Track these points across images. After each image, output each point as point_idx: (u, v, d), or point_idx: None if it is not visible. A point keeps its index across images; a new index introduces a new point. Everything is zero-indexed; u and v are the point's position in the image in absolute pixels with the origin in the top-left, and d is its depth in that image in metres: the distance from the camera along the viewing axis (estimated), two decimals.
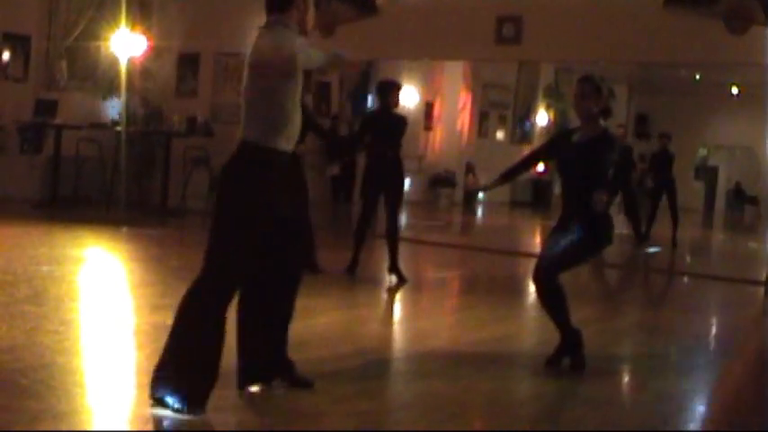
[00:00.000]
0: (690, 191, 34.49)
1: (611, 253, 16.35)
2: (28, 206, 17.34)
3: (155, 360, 5.75)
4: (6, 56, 18.31)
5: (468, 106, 28.20)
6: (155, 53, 19.46)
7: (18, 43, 18.42)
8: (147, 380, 5.71)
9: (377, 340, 8.66)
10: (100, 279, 11.16)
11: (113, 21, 19.40)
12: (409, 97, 25.11)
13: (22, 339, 7.38)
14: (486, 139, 29.73)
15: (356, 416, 5.97)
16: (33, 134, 18.36)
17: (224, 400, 5.85)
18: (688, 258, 19.91)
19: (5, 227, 15.08)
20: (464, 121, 28.19)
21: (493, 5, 14.99)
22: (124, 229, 16.05)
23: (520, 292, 12.78)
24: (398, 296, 11.54)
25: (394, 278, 11.84)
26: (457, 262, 15.72)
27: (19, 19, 18.30)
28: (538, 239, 21.04)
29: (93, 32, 19.42)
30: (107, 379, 6.50)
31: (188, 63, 19.25)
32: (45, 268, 11.36)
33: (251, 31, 17.98)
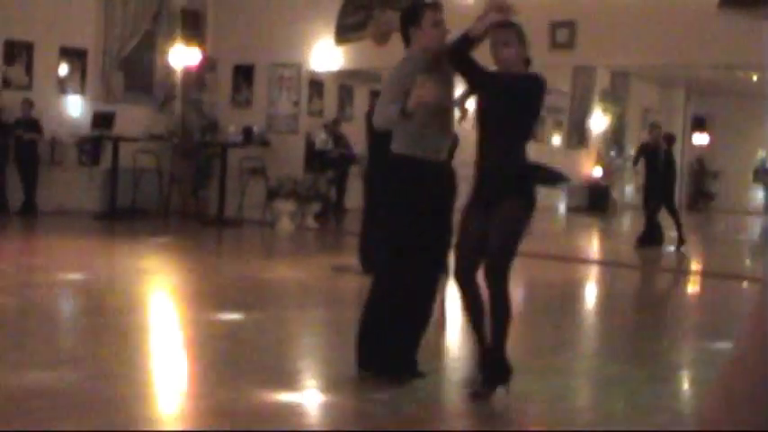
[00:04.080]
0: (748, 193, 34.15)
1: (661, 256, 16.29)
2: (87, 218, 17.52)
3: (213, 370, 5.76)
4: (64, 70, 18.53)
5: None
6: (210, 64, 19.59)
7: (75, 57, 18.63)
8: (205, 389, 5.72)
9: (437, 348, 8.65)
10: (158, 290, 11.23)
11: (168, 33, 19.59)
12: (468, 105, 25.04)
13: (82, 351, 7.44)
14: (543, 143, 29.59)
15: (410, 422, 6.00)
16: (91, 147, 18.54)
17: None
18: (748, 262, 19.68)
19: (66, 239, 15.25)
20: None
21: (546, 11, 14.92)
22: (181, 240, 16.17)
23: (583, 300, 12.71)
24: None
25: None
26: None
27: (76, 33, 18.50)
28: (596, 245, 20.90)
29: (148, 45, 19.62)
30: (166, 390, 6.54)
31: (243, 74, 19.34)
32: (104, 280, 11.47)
33: (304, 42, 18.08)
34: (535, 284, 13.15)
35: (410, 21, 6.70)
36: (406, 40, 6.76)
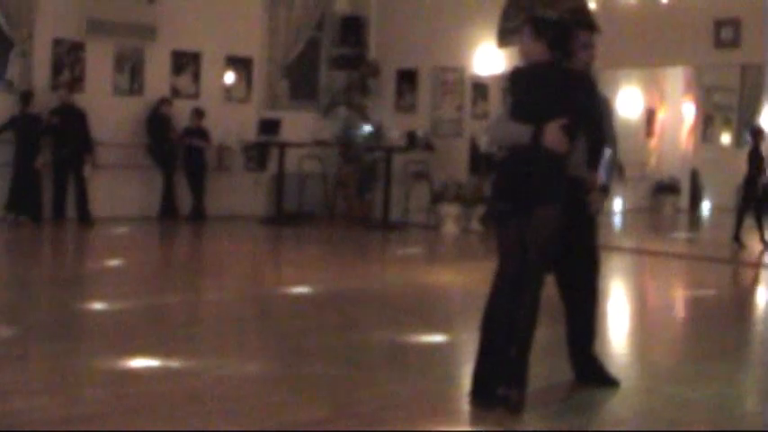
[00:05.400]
0: None
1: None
2: (254, 222, 17.78)
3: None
4: (230, 78, 18.86)
5: (691, 111, 27.48)
6: (373, 70, 19.68)
7: (240, 65, 18.95)
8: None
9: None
10: (340, 295, 11.29)
11: (332, 39, 19.76)
12: (631, 104, 24.67)
13: (247, 356, 7.52)
14: (711, 143, 28.89)
15: None
16: (257, 153, 18.81)
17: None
18: None
19: (235, 243, 15.51)
20: (687, 126, 27.49)
21: (710, 9, 14.55)
22: (348, 245, 16.26)
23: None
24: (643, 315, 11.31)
25: None
26: (687, 274, 15.29)
27: (241, 42, 18.81)
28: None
29: (312, 52, 19.83)
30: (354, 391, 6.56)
31: (406, 78, 19.37)
32: (266, 284, 11.62)
33: (466, 45, 18.03)
34: (702, 287, 12.85)
35: (556, 41, 6.52)
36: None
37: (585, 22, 6.99)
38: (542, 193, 6.05)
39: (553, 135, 6.03)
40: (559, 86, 6.21)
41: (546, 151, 6.03)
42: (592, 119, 6.37)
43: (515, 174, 6.16)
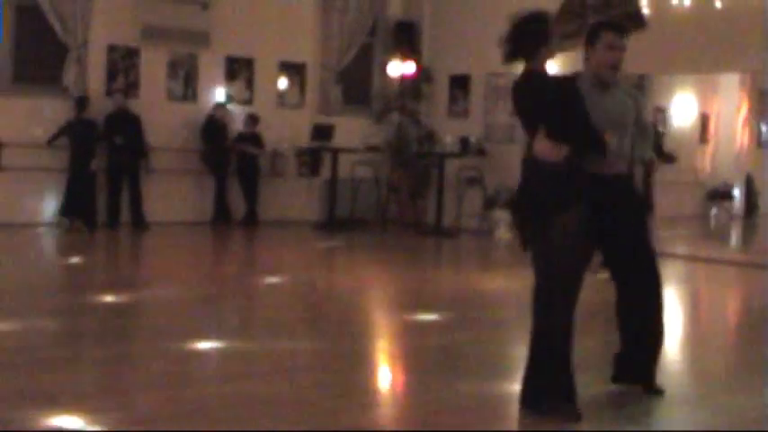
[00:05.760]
0: None
1: None
2: (308, 228, 17.83)
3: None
4: (283, 83, 18.93)
5: (746, 116, 27.25)
6: (426, 75, 19.69)
7: (294, 71, 19.02)
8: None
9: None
10: (380, 299, 11.30)
11: (384, 45, 19.79)
12: (685, 110, 24.53)
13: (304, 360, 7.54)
14: (766, 149, 28.65)
15: None
16: (310, 158, 18.86)
17: None
18: None
19: (288, 249, 15.57)
20: (742, 131, 27.26)
21: (764, 13, 14.41)
22: (400, 250, 16.27)
23: None
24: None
25: None
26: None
27: (294, 48, 18.88)
28: None
29: (365, 57, 19.88)
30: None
31: (459, 84, 19.36)
32: (321, 288, 11.64)
33: None
34: (756, 295, 12.72)
35: (588, 38, 6.54)
36: (586, 57, 6.61)
37: (611, 22, 6.91)
38: (555, 201, 6.00)
39: (539, 145, 6.04)
40: (519, 94, 6.28)
41: (540, 161, 6.03)
42: (552, 112, 6.13)
43: (527, 185, 6.16)
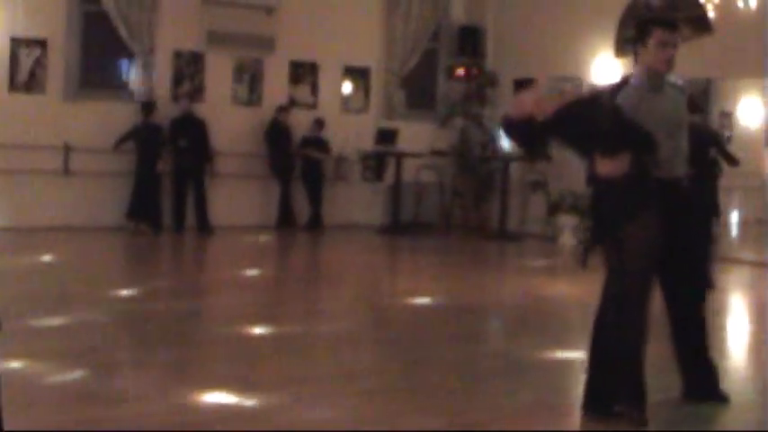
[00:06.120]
0: None
1: None
2: (371, 232, 17.85)
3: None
4: (347, 88, 18.98)
5: None
6: (490, 79, 19.63)
7: (358, 75, 19.06)
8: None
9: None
10: (442, 303, 11.28)
11: (448, 49, 19.78)
12: (751, 114, 24.23)
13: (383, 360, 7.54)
14: None
15: None
16: (375, 162, 18.87)
17: None
18: None
19: (352, 253, 15.60)
20: None
21: None
22: (465, 255, 16.24)
23: None
24: None
25: None
26: None
27: (358, 53, 18.92)
28: None
29: (429, 62, 19.87)
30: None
31: (523, 87, 19.25)
32: (383, 293, 11.65)
33: (584, 55, 17.78)
34: None
35: (637, 37, 6.30)
36: (636, 57, 6.38)
37: (661, 19, 6.63)
38: (626, 209, 5.93)
39: (601, 166, 5.98)
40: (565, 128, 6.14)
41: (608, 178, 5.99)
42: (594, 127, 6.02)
43: (600, 193, 6.11)
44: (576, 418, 6.18)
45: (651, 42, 6.13)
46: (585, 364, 6.23)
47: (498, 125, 6.25)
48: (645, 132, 5.93)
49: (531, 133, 6.06)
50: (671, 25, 6.24)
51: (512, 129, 6.19)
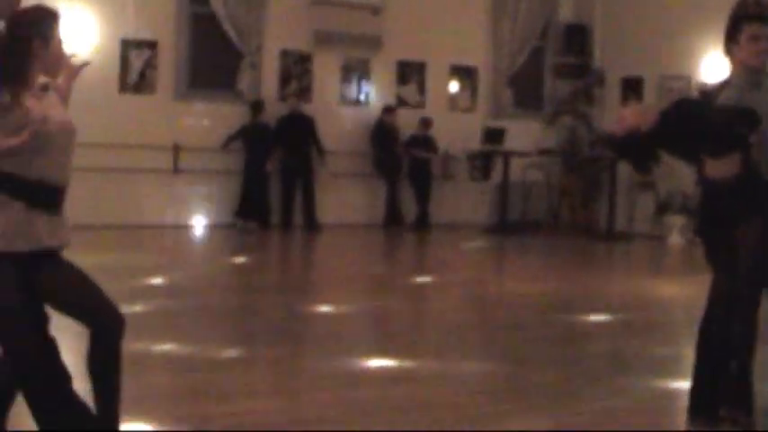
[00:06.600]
0: None
1: None
2: (478, 231, 17.80)
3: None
4: (454, 87, 18.97)
5: None
6: (598, 78, 19.45)
7: (465, 75, 19.04)
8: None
9: None
10: (550, 302, 11.22)
11: (556, 48, 19.66)
12: None
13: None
14: None
15: None
16: (482, 161, 18.82)
17: None
18: None
19: (459, 252, 15.59)
20: None
21: None
22: (572, 254, 16.13)
23: None
24: None
25: None
26: None
27: (465, 52, 18.89)
28: None
29: (536, 61, 19.77)
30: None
31: (631, 87, 19.06)
32: (491, 291, 11.61)
33: (693, 53, 17.45)
34: None
35: (729, 35, 6.08)
36: (730, 56, 6.12)
37: (751, 13, 6.37)
38: (744, 207, 5.80)
39: (710, 168, 5.86)
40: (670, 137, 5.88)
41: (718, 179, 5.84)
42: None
43: (710, 194, 5.98)
44: (681, 420, 6.09)
45: (742, 38, 5.97)
46: (692, 367, 6.13)
47: (605, 137, 6.11)
48: (745, 109, 5.75)
49: (638, 146, 5.94)
50: (760, 18, 6.06)
51: (619, 146, 6.10)
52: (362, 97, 18.13)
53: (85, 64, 4.83)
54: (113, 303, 4.44)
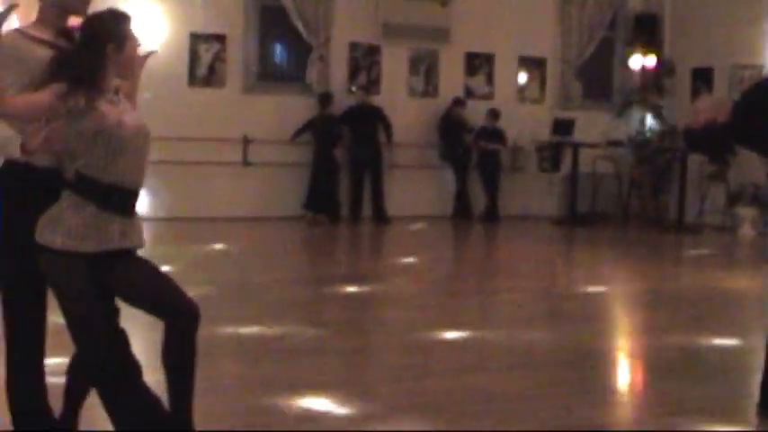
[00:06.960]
0: None
1: None
2: (547, 223, 17.76)
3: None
4: (523, 78, 18.92)
5: None
6: (668, 68, 19.29)
7: (533, 66, 18.99)
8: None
9: None
10: (620, 296, 11.18)
11: (625, 38, 19.52)
12: None
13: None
14: None
15: None
16: (551, 153, 18.76)
17: None
18: None
19: (529, 244, 15.56)
20: None
21: None
22: (642, 246, 16.04)
23: None
24: None
25: None
26: None
27: (534, 43, 18.84)
28: None
29: (605, 51, 19.65)
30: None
31: (702, 77, 18.88)
32: (561, 284, 11.58)
33: (765, 42, 17.32)
34: None
35: None
36: None
37: None
38: None
39: None
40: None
41: None
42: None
43: None
44: (751, 415, 6.05)
45: None
46: (762, 362, 6.08)
47: (682, 130, 6.04)
48: None
49: (715, 139, 5.89)
50: None
51: (695, 139, 6.07)
52: (431, 89, 18.14)
53: (151, 53, 4.87)
54: (187, 296, 4.48)
